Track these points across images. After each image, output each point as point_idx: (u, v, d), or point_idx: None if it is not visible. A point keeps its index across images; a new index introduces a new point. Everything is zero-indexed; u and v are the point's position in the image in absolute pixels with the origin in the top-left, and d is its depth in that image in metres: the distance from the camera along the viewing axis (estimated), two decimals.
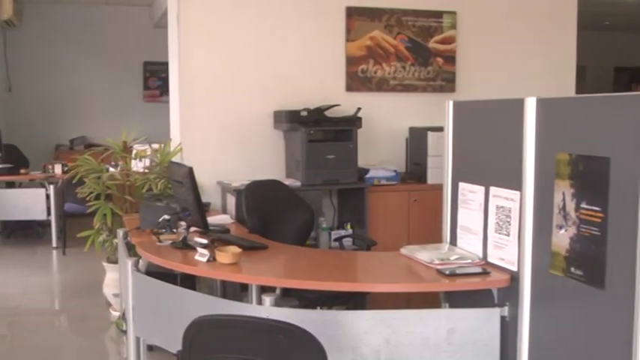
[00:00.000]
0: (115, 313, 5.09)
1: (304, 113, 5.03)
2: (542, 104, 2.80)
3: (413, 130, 5.54)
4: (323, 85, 5.47)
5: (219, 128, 5.28)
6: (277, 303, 3.12)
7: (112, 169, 5.14)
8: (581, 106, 2.69)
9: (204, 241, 3.52)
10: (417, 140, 5.43)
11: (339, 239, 4.98)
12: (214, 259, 3.29)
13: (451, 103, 3.50)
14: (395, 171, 5.30)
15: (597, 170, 2.45)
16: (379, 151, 5.58)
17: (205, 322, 2.24)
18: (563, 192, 2.63)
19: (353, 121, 5.12)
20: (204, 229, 3.74)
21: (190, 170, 3.68)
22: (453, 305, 3.34)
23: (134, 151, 5.24)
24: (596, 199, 2.47)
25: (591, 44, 11.06)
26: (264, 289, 3.28)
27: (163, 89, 9.63)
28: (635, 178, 2.28)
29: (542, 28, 6.03)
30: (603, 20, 10.86)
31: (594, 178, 2.47)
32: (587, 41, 10.69)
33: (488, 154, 3.20)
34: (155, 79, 10.39)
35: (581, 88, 10.07)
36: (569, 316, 2.67)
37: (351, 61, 5.50)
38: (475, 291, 3.11)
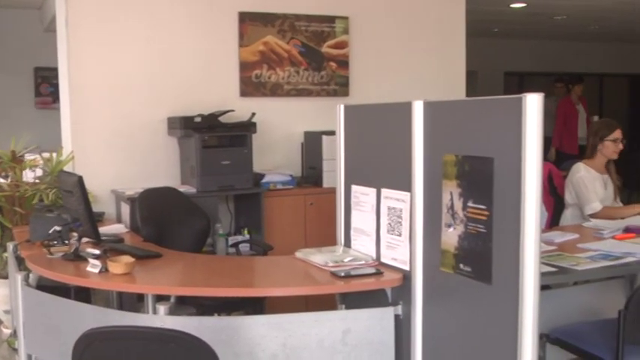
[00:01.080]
0: (7, 331, 4.87)
1: (198, 119, 4.97)
2: (429, 107, 2.88)
3: (308, 135, 5.58)
4: (217, 90, 5.42)
5: (112, 135, 5.15)
6: (172, 312, 3.06)
7: (0, 180, 4.94)
8: (465, 108, 2.78)
9: (97, 252, 3.42)
10: (312, 144, 5.47)
11: (235, 245, 4.96)
12: (107, 270, 3.20)
13: (342, 107, 3.55)
14: (290, 175, 5.32)
15: (482, 170, 2.54)
16: (275, 156, 5.58)
17: (95, 335, 2.19)
18: (450, 192, 2.71)
19: (247, 127, 5.11)
20: (96, 240, 3.65)
21: (80, 179, 3.58)
22: (349, 306, 3.37)
23: (24, 161, 5.04)
24: (482, 198, 2.55)
25: (482, 50, 11.47)
26: (160, 299, 3.23)
27: (56, 96, 9.29)
28: (517, 177, 2.37)
29: (432, 34, 6.19)
30: (492, 27, 11.25)
31: (479, 178, 2.56)
32: (477, 47, 11.05)
33: (379, 157, 3.26)
34: (47, 85, 10.00)
35: (472, 92, 10.41)
36: (460, 311, 2.75)
37: (244, 67, 5.48)
38: (370, 291, 3.16)
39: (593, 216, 4.52)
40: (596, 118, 8.23)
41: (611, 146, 4.72)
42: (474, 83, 11.46)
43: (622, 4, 9.27)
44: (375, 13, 5.97)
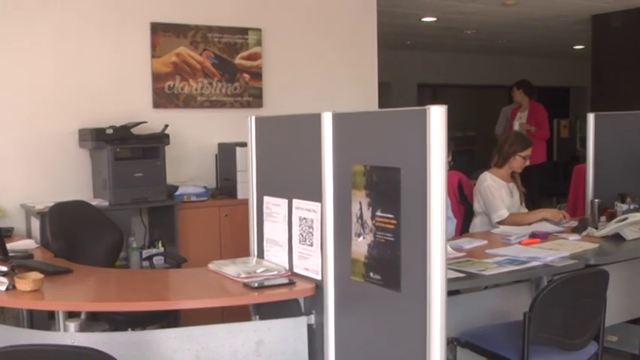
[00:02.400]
0: None
1: (110, 131, 4.89)
2: (338, 119, 2.92)
3: (222, 146, 5.56)
4: (129, 102, 5.35)
5: (22, 148, 5.00)
6: (83, 328, 3.01)
7: None
8: (373, 120, 2.84)
9: (4, 269, 3.33)
10: (226, 156, 5.45)
11: (149, 258, 4.89)
12: (14, 287, 3.11)
13: (253, 118, 3.57)
14: (205, 187, 5.29)
15: (389, 180, 2.59)
16: (189, 168, 5.54)
17: (1, 356, 2.13)
18: (359, 202, 2.76)
19: (160, 138, 5.05)
20: (4, 256, 3.54)
21: None
22: (263, 317, 3.38)
23: None
24: (390, 207, 2.60)
25: (395, 62, 11.69)
26: (72, 316, 3.16)
27: None
28: (422, 186, 2.43)
29: (345, 46, 6.28)
30: (405, 40, 11.48)
31: (387, 188, 2.61)
32: (391, 59, 11.28)
33: (290, 168, 3.29)
34: None
35: (387, 103, 10.59)
36: (371, 319, 2.80)
37: (157, 78, 5.43)
38: (283, 302, 3.17)
39: (501, 223, 4.67)
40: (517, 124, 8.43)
41: (521, 161, 4.91)
42: (389, 94, 11.69)
43: (527, 20, 9.64)
44: (288, 25, 6.02)
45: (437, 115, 2.39)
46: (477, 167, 5.07)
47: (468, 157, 11.66)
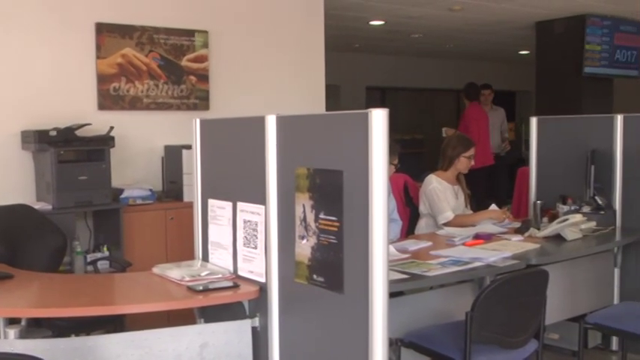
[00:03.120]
0: None
1: (53, 133, 4.81)
2: (282, 121, 2.93)
3: (168, 149, 5.51)
4: (74, 103, 5.26)
5: None
6: (23, 335, 2.96)
7: None
8: (316, 123, 2.86)
9: None
10: (173, 158, 5.41)
11: (93, 262, 4.82)
12: None
13: (198, 120, 3.55)
14: (150, 190, 5.24)
15: (332, 183, 2.61)
16: (135, 171, 5.48)
17: None
18: (303, 204, 2.77)
19: (105, 141, 4.99)
20: None
21: None
22: (208, 320, 3.36)
23: None
24: (333, 210, 2.62)
25: (344, 65, 11.75)
26: (14, 322, 3.10)
27: None
28: (365, 189, 2.46)
29: (292, 49, 6.29)
30: (353, 43, 11.55)
31: (330, 190, 2.63)
32: (339, 62, 11.33)
33: (234, 171, 3.29)
34: None
35: (335, 105, 10.63)
36: (315, 321, 2.81)
37: (102, 79, 5.36)
38: (228, 305, 3.17)
39: (447, 224, 4.73)
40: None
41: (465, 162, 4.98)
42: (337, 97, 11.73)
43: (473, 26, 9.79)
44: (235, 27, 6.00)
45: (379, 119, 2.41)
46: (425, 170, 5.13)
47: (417, 159, 11.77)
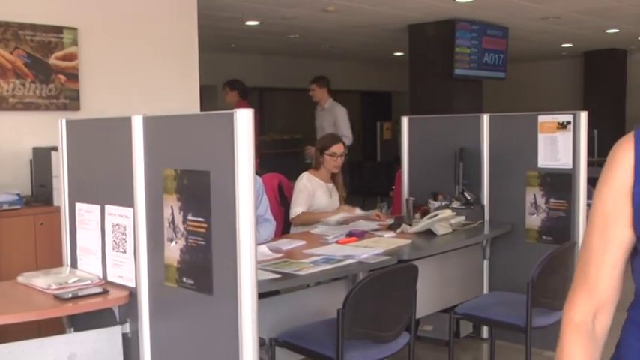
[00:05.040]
0: None
1: None
2: (149, 122, 2.88)
3: (37, 151, 5.29)
4: None
5: None
6: None
7: None
8: (183, 123, 2.83)
9: None
10: (42, 161, 5.19)
11: None
12: None
13: (64, 121, 3.44)
14: (18, 195, 5.00)
15: (199, 184, 2.59)
16: (1, 175, 5.23)
17: None
18: (171, 206, 2.73)
19: None
20: None
21: None
22: (78, 329, 3.26)
23: None
24: (201, 211, 2.60)
25: (221, 65, 11.66)
26: None
27: None
28: (231, 190, 2.45)
29: (165, 48, 6.18)
30: (230, 43, 11.50)
31: (197, 192, 2.61)
32: (216, 62, 11.25)
33: (102, 173, 3.20)
34: None
35: (212, 106, 10.52)
36: (186, 324, 2.78)
37: None
38: (98, 312, 3.07)
39: (293, 220, 4.80)
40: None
41: (330, 160, 5.04)
42: (214, 98, 11.65)
43: (348, 27, 9.97)
44: (106, 25, 5.84)
45: (243, 119, 2.41)
46: (304, 169, 5.17)
47: (296, 159, 11.85)
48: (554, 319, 3.94)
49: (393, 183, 6.65)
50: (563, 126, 4.58)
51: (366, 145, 15.16)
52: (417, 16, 9.19)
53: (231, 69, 12.36)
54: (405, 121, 5.45)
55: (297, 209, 4.83)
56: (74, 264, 3.40)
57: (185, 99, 6.24)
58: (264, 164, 7.73)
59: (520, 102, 13.56)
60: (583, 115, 4.54)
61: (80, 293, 3.02)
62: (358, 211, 4.94)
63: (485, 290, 4.95)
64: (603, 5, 8.64)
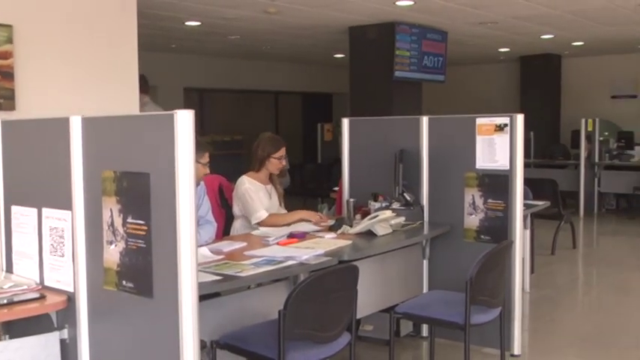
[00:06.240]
0: None
1: None
2: (87, 123, 2.84)
3: None
4: None
5: None
6: None
7: None
8: (123, 124, 2.79)
9: None
10: None
11: None
12: None
13: None
14: None
15: (139, 185, 2.56)
16: None
17: None
18: (110, 208, 2.70)
19: None
20: None
21: None
22: (14, 336, 3.18)
23: None
24: (141, 213, 2.57)
25: (161, 65, 11.55)
26: None
27: None
28: (172, 192, 2.43)
29: (104, 47, 6.07)
30: (170, 43, 11.39)
31: (137, 194, 2.58)
32: (156, 62, 11.13)
33: (39, 175, 3.13)
34: None
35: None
36: (126, 328, 2.74)
37: None
38: (35, 318, 3.01)
39: (260, 224, 4.78)
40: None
41: (276, 163, 5.04)
42: (154, 98, 11.51)
43: (289, 29, 9.98)
44: (43, 22, 5.70)
45: (184, 120, 2.40)
46: (245, 171, 5.15)
47: (237, 161, 11.82)
48: (492, 317, 4.04)
49: (334, 184, 6.68)
50: (500, 128, 4.67)
51: (307, 147, 15.20)
52: (358, 18, 9.27)
53: (171, 69, 12.28)
54: (345, 122, 5.48)
55: (260, 213, 4.80)
56: (9, 269, 3.32)
57: (124, 99, 6.15)
58: None
59: (459, 105, 13.81)
60: (520, 118, 4.64)
61: (16, 299, 2.95)
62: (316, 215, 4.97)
63: (425, 289, 5.01)
64: (539, 12, 8.86)
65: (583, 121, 11.19)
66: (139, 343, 2.67)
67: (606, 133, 11.81)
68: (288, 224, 4.77)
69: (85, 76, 5.94)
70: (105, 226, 2.72)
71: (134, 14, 6.28)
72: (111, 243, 2.70)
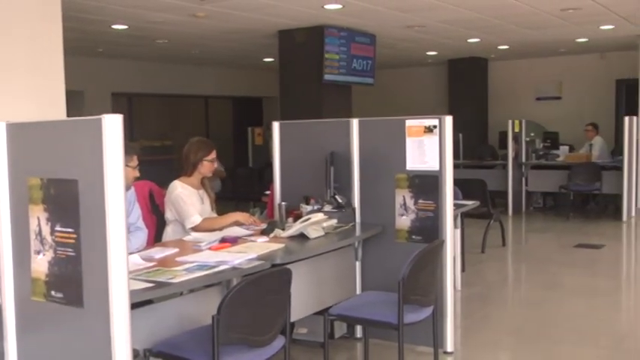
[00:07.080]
0: None
1: None
2: (12, 129, 2.77)
3: None
4: None
5: None
6: None
7: None
8: (48, 130, 2.73)
9: None
10: None
11: None
12: None
13: None
14: None
15: (67, 193, 2.52)
16: None
17: None
18: (38, 217, 2.63)
19: None
20: None
21: None
22: None
23: None
24: (69, 221, 2.52)
25: (88, 70, 11.33)
26: None
27: None
28: (101, 198, 2.39)
29: (27, 52, 5.91)
30: (97, 47, 11.17)
31: (65, 201, 2.53)
32: (83, 67, 10.92)
33: None
34: None
35: (78, 112, 10.21)
36: (56, 340, 2.69)
37: None
38: None
39: (195, 229, 4.74)
40: None
41: (208, 165, 5.01)
42: (81, 104, 11.31)
43: (218, 33, 9.93)
44: None
45: (112, 125, 2.36)
46: (175, 176, 5.08)
47: (167, 166, 11.67)
48: (425, 315, 4.10)
49: (266, 188, 6.67)
50: (429, 130, 4.74)
51: (238, 151, 15.13)
52: (287, 22, 9.28)
53: (98, 74, 12.05)
54: (275, 126, 5.48)
55: (194, 218, 4.75)
56: None
57: (49, 105, 6.00)
58: None
59: (388, 107, 13.97)
60: (448, 120, 4.72)
61: None
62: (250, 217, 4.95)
63: (359, 291, 5.05)
64: (465, 16, 9.04)
65: (510, 122, 11.45)
66: (70, 355, 2.62)
67: (532, 134, 12.13)
68: (222, 228, 4.74)
69: (8, 81, 5.77)
70: (32, 236, 2.66)
71: (59, 17, 6.13)
72: (39, 252, 2.64)
